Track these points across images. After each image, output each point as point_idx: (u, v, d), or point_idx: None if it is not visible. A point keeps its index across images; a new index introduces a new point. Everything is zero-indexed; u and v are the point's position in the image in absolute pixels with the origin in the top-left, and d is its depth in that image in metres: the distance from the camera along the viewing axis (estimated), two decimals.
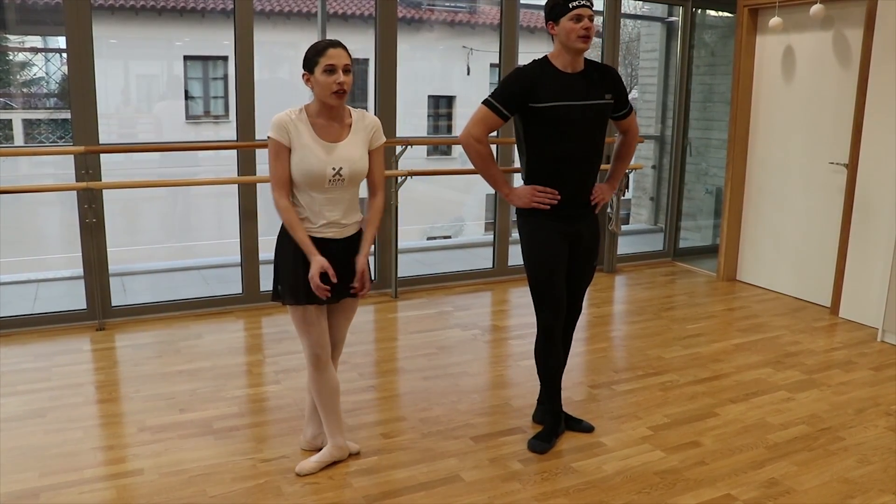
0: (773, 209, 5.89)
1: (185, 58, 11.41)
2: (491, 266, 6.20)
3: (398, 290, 5.61)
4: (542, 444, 3.31)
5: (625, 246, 6.94)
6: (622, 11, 6.33)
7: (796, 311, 5.43)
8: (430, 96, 13.38)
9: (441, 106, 13.73)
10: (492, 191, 6.16)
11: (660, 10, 7.59)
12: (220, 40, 11.11)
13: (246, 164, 5.09)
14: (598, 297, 5.76)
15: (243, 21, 4.94)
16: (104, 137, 4.76)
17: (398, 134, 5.56)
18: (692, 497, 2.95)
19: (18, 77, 10.80)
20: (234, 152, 5.16)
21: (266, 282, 5.12)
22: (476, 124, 3.08)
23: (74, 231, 4.74)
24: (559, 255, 3.19)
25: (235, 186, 5.17)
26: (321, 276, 2.80)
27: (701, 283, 6.22)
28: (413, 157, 5.68)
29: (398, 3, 5.46)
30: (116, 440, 3.36)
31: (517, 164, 5.62)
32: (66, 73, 4.61)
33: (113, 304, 4.92)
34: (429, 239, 11.07)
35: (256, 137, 5.06)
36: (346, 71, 2.78)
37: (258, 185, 5.13)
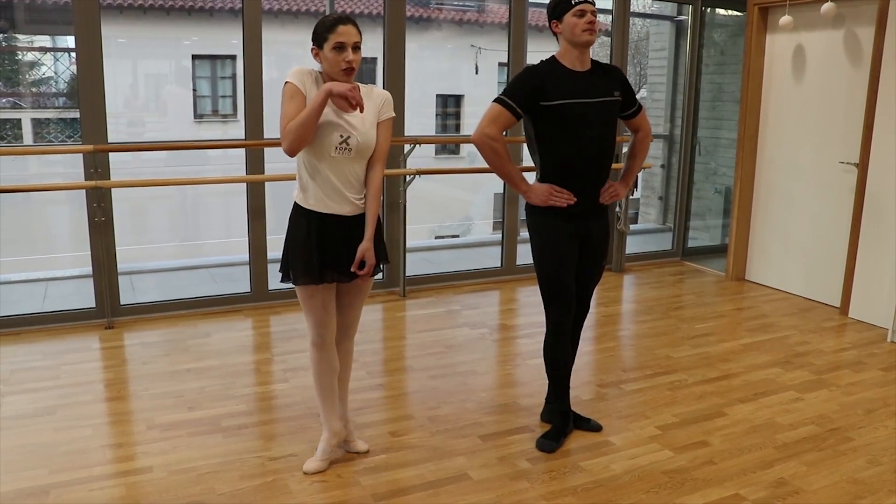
0: (782, 209, 5.87)
1: (194, 57, 11.43)
2: (499, 265, 6.20)
3: (406, 289, 5.61)
4: (550, 442, 3.30)
5: (633, 245, 6.93)
6: (631, 10, 6.31)
7: (805, 311, 5.41)
8: (438, 95, 13.37)
9: (449, 105, 13.72)
10: (500, 190, 6.16)
11: (669, 8, 7.58)
12: (228, 39, 11.13)
13: (254, 162, 5.09)
14: (606, 297, 5.74)
15: (252, 20, 4.95)
16: (113, 136, 4.77)
17: (406, 133, 5.55)
18: (700, 497, 2.94)
19: (28, 77, 10.84)
20: (242, 151, 5.17)
21: (274, 280, 5.12)
22: (490, 123, 3.07)
23: (83, 230, 4.75)
24: (569, 253, 3.19)
25: (244, 185, 5.17)
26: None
27: (710, 282, 6.20)
28: (421, 157, 5.68)
29: (406, 2, 5.45)
30: (125, 438, 3.37)
31: (526, 163, 5.62)
32: (75, 72, 4.62)
33: (122, 303, 4.93)
34: (437, 238, 11.06)
35: (265, 136, 5.06)
36: (355, 48, 2.77)
37: (266, 183, 5.14)
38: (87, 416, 3.54)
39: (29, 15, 10.08)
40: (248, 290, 5.29)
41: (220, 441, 3.32)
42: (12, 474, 3.01)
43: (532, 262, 3.29)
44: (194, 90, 11.33)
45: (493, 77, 12.83)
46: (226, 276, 6.18)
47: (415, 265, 6.07)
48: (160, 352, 4.41)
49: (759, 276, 6.14)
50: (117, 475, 3.03)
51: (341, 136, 2.79)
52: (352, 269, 2.89)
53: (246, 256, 5.29)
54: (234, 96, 11.60)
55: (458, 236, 11.73)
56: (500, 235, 6.23)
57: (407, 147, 5.37)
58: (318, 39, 2.79)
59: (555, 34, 3.13)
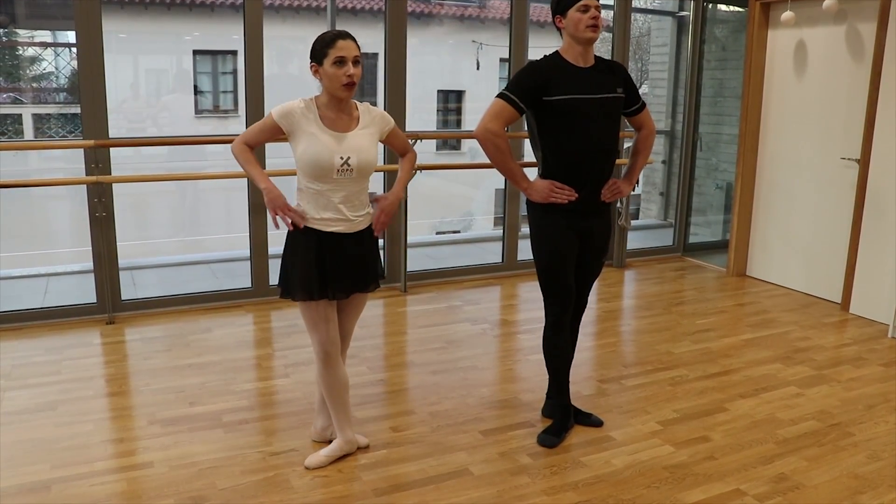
0: (783, 205, 5.86)
1: (195, 52, 11.42)
2: (500, 261, 6.20)
3: (407, 285, 5.61)
4: (551, 438, 3.31)
5: (634, 241, 6.93)
6: (633, 6, 6.30)
7: (806, 307, 5.41)
8: (439, 91, 13.36)
9: (450, 101, 13.71)
10: (501, 185, 6.16)
11: (670, 4, 7.57)
12: (229, 35, 11.12)
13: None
14: (607, 292, 5.74)
15: (253, 15, 4.94)
16: (115, 131, 4.77)
17: (408, 128, 5.55)
18: (701, 492, 2.95)
19: (28, 72, 10.83)
20: None
21: (275, 276, 5.12)
22: (493, 118, 3.06)
23: (84, 225, 4.76)
24: (569, 248, 3.19)
25: (245, 180, 5.16)
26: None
27: (711, 278, 6.20)
28: (422, 152, 5.64)
29: None
30: (126, 433, 3.37)
31: (527, 159, 5.62)
32: (76, 67, 4.62)
33: (123, 298, 4.94)
34: (438, 234, 11.06)
35: None
36: (355, 63, 2.78)
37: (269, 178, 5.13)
38: (88, 412, 3.55)
39: (30, 10, 10.07)
40: (250, 286, 5.29)
41: (221, 436, 3.32)
42: (13, 469, 3.02)
43: (532, 256, 3.29)
44: (196, 87, 11.32)
45: (494, 73, 12.81)
46: (227, 272, 6.18)
47: (416, 260, 6.07)
48: (161, 347, 4.41)
49: (760, 272, 6.14)
50: (118, 470, 3.03)
51: (342, 158, 2.80)
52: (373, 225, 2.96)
53: (247, 252, 5.29)
54: (235, 92, 11.59)
55: (459, 231, 11.73)
56: (502, 231, 6.23)
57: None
58: (318, 56, 2.79)
59: (558, 29, 3.12)
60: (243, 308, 5.13)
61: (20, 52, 10.69)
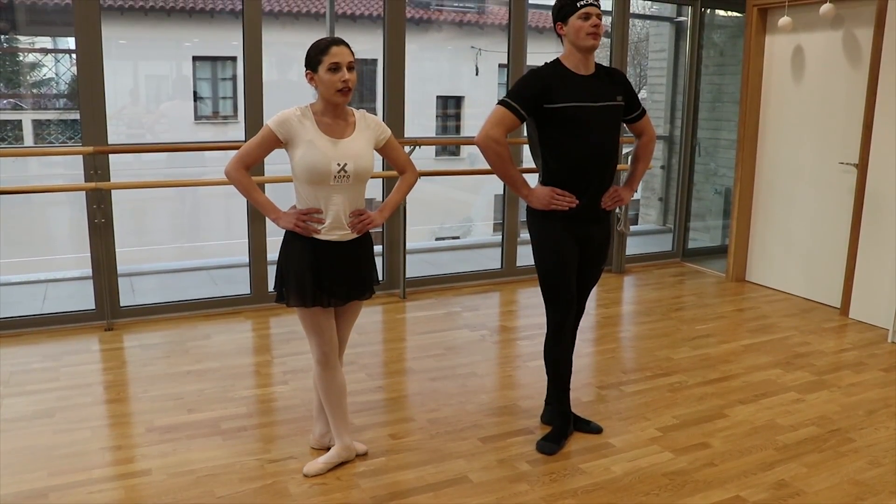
0: (782, 209, 5.86)
1: (194, 58, 11.43)
2: (499, 267, 6.19)
3: (406, 291, 5.61)
4: (550, 445, 3.30)
5: (633, 246, 6.92)
6: (631, 11, 6.31)
7: (806, 312, 5.40)
8: (438, 97, 13.36)
9: (450, 106, 13.71)
10: (500, 191, 6.16)
11: (668, 9, 7.57)
12: (229, 41, 11.13)
13: None
14: (606, 298, 5.74)
15: (252, 21, 4.94)
16: (114, 138, 4.77)
17: (406, 134, 5.55)
18: (701, 498, 2.94)
19: (28, 78, 10.84)
20: None
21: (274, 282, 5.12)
22: (494, 126, 3.05)
23: (84, 231, 4.75)
24: (570, 254, 3.19)
25: None
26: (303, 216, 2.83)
27: (710, 283, 6.20)
28: (421, 158, 5.66)
29: (406, 4, 5.45)
30: (124, 440, 3.36)
31: (526, 164, 5.61)
32: (76, 73, 4.62)
33: (121, 305, 4.93)
34: (437, 239, 11.06)
35: None
36: (350, 68, 2.78)
37: (266, 185, 5.13)
38: (86, 419, 3.54)
39: (30, 16, 10.09)
40: (249, 292, 5.28)
41: (219, 443, 3.32)
42: (11, 477, 3.01)
43: (532, 262, 3.28)
44: (195, 92, 11.32)
45: (493, 78, 12.81)
46: (226, 278, 6.18)
47: (415, 267, 6.06)
48: (160, 354, 4.40)
49: (759, 277, 6.13)
50: (116, 478, 3.03)
51: (338, 165, 2.80)
52: (349, 223, 2.89)
53: (246, 258, 5.29)
54: (234, 98, 11.60)
55: (458, 237, 11.72)
56: (501, 237, 6.22)
57: (407, 149, 5.36)
58: (312, 63, 2.80)
59: (559, 36, 3.12)
60: (242, 314, 5.12)
61: (21, 58, 10.70)
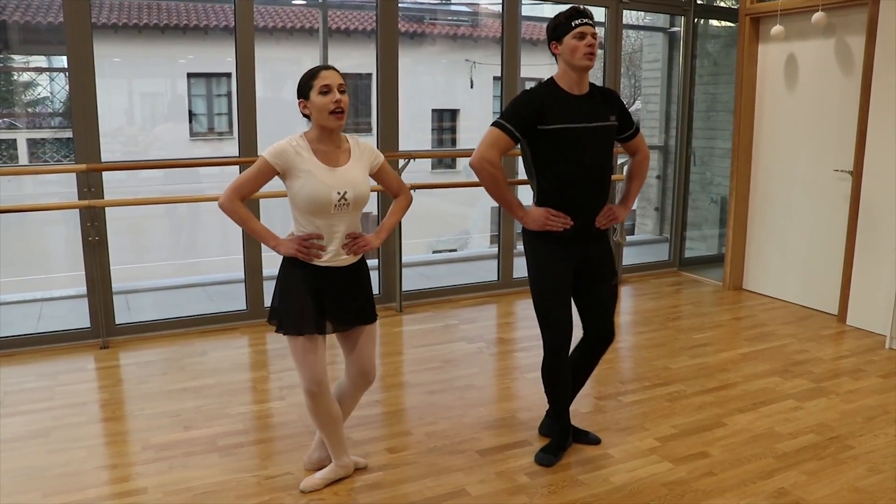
0: (778, 217, 5.87)
1: (189, 75, 11.45)
2: (496, 279, 6.18)
3: (403, 304, 5.59)
4: (549, 456, 3.28)
5: (630, 256, 6.92)
6: (624, 22, 6.33)
7: (803, 320, 5.40)
8: (433, 110, 13.37)
9: (445, 119, 13.72)
10: (496, 203, 6.15)
11: (662, 20, 7.60)
12: (223, 57, 11.15)
13: None
14: None
15: (244, 38, 4.95)
16: (109, 155, 4.77)
17: (401, 148, 5.56)
18: None
19: (23, 97, 10.84)
20: (236, 168, 5.16)
21: (270, 298, 5.10)
22: (489, 148, 3.02)
23: (79, 249, 4.74)
24: (564, 278, 3.15)
25: None
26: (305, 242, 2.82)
27: (707, 292, 6.19)
28: (417, 171, 5.67)
29: (399, 18, 5.47)
30: (120, 459, 3.34)
31: (520, 176, 5.61)
32: (69, 91, 4.63)
33: (117, 322, 4.92)
34: (435, 252, 11.05)
35: (259, 153, 5.05)
36: (341, 91, 2.78)
37: (261, 200, 5.13)
38: (81, 438, 3.52)
39: (24, 35, 10.10)
40: (245, 308, 5.27)
41: (216, 461, 3.29)
42: (6, 498, 2.99)
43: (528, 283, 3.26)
44: (190, 112, 11.33)
45: (488, 91, 12.83)
46: (222, 294, 6.17)
47: (412, 280, 6.05)
48: (156, 371, 4.38)
49: (756, 285, 6.13)
50: (112, 497, 3.00)
51: (338, 193, 2.79)
52: (343, 246, 2.86)
53: (242, 274, 5.27)
54: (229, 114, 11.61)
55: (455, 250, 11.72)
56: (497, 249, 6.22)
57: (402, 162, 5.36)
58: (304, 89, 2.80)
59: (554, 55, 3.10)
60: (238, 330, 5.11)
61: (15, 77, 10.71)
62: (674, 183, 6.93)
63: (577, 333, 3.27)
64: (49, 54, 10.79)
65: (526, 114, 3.03)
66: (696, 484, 3.10)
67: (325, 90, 2.75)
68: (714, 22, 7.11)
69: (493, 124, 3.05)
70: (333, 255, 2.85)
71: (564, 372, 3.27)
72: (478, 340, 4.95)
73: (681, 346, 4.84)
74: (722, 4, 7.55)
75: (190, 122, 11.45)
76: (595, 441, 3.46)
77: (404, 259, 5.65)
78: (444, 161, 12.97)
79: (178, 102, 11.65)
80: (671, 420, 3.72)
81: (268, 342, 4.92)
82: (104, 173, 4.76)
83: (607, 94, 3.20)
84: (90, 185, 4.63)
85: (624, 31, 6.42)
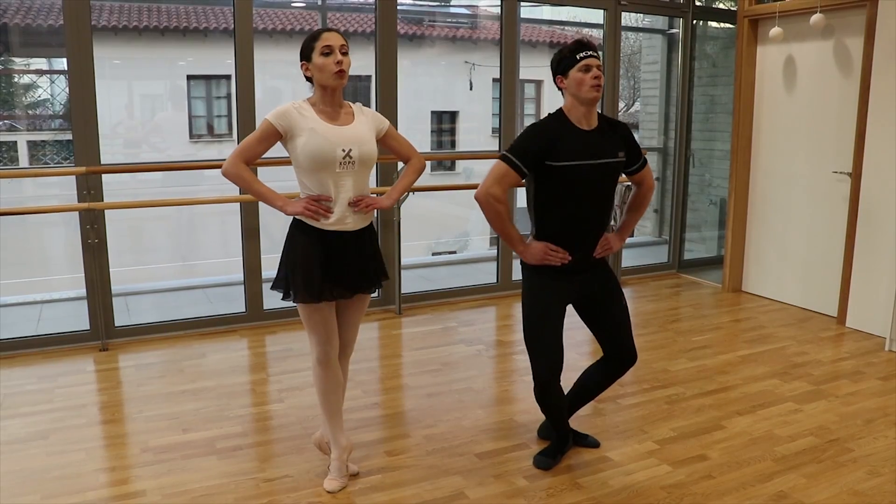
0: (777, 219, 5.87)
1: (189, 77, 11.45)
2: (495, 281, 6.18)
3: (402, 307, 5.59)
4: (547, 460, 3.28)
5: (629, 258, 6.92)
6: (623, 24, 6.34)
7: (803, 322, 5.39)
8: (433, 112, 13.38)
9: (444, 121, 13.73)
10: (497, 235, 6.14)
11: (660, 22, 7.60)
12: (223, 59, 11.15)
13: None
14: None
15: (243, 40, 4.96)
16: (109, 158, 4.78)
17: None
18: None
19: (23, 99, 10.85)
20: None
21: (269, 300, 5.11)
22: (495, 183, 2.97)
23: (79, 251, 4.74)
24: (558, 310, 3.10)
25: (238, 205, 5.16)
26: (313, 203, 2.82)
27: (706, 294, 6.19)
28: None
29: (398, 20, 5.47)
30: (119, 461, 3.34)
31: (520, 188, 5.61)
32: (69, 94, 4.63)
33: (116, 325, 4.92)
34: (434, 254, 11.05)
35: None
36: (343, 52, 2.80)
37: (260, 203, 5.13)
38: (80, 440, 3.52)
39: (24, 38, 10.11)
40: (244, 310, 5.27)
41: (215, 463, 3.29)
42: (6, 500, 2.98)
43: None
44: (190, 115, 11.34)
45: (487, 93, 12.83)
46: (221, 297, 6.16)
47: (412, 282, 6.05)
48: (155, 373, 4.38)
49: (755, 287, 6.13)
50: (111, 499, 3.00)
51: (343, 150, 2.80)
52: (350, 203, 2.86)
53: (241, 276, 5.27)
54: (229, 115, 11.62)
55: (455, 252, 11.71)
56: (496, 251, 6.22)
57: (401, 164, 5.36)
58: (306, 51, 2.83)
59: (560, 89, 3.06)
60: (238, 333, 5.11)
61: (16, 79, 10.72)
62: (673, 184, 6.94)
63: (587, 350, 3.26)
64: (49, 57, 10.79)
65: (535, 149, 2.97)
66: (695, 487, 3.10)
67: (327, 51, 2.77)
68: (713, 24, 7.11)
69: (501, 157, 2.99)
70: (340, 219, 2.85)
71: (557, 396, 3.20)
72: (477, 343, 4.94)
73: (680, 348, 4.84)
74: (720, 6, 7.56)
75: (189, 123, 11.45)
76: (594, 444, 3.46)
77: (403, 261, 5.65)
78: (443, 163, 12.97)
79: (178, 104, 11.65)
80: (670, 423, 3.72)
81: (267, 344, 4.92)
82: (105, 175, 4.75)
83: (617, 127, 3.14)
84: (89, 187, 4.63)
85: (623, 33, 6.43)
